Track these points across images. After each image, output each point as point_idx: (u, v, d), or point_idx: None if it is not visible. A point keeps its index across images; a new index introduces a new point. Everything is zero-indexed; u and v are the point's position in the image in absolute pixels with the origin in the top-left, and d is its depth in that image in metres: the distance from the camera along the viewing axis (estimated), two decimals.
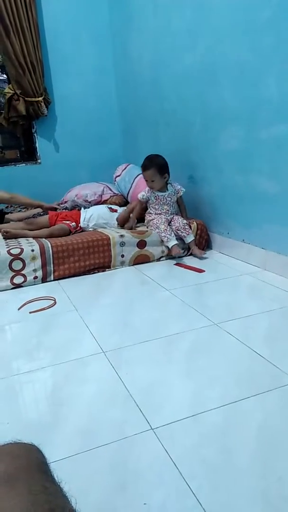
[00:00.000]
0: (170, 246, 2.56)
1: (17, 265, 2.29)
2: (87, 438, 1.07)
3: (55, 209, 3.01)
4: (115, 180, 3.58)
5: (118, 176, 3.54)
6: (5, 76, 3.97)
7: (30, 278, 2.32)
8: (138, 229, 2.73)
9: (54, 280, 2.38)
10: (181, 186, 2.80)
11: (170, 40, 2.86)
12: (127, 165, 3.54)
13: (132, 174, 3.35)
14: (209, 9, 2.39)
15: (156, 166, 2.61)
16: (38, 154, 3.85)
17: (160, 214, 2.75)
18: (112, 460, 0.99)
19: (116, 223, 2.83)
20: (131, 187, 3.30)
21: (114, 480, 0.93)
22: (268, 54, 2.02)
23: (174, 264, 2.53)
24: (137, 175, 3.26)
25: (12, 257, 2.27)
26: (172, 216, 2.75)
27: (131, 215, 2.82)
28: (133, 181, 3.29)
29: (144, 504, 0.87)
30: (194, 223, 2.73)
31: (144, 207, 2.84)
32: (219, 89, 2.43)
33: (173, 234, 2.60)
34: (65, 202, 3.27)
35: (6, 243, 2.45)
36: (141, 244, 2.56)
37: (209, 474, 0.93)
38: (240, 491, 0.88)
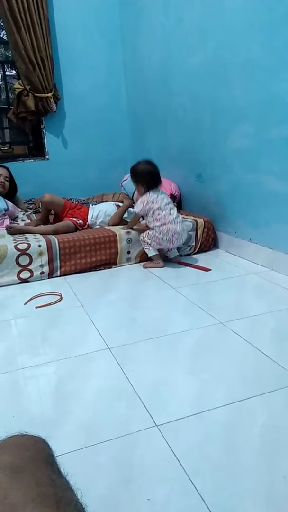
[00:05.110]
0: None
1: (24, 260, 2.29)
2: (91, 433, 1.07)
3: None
4: (121, 185, 3.60)
5: (125, 180, 3.56)
6: (14, 71, 3.99)
7: (36, 273, 2.33)
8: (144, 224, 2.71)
9: (60, 276, 2.39)
10: (145, 200, 2.44)
11: (180, 37, 2.85)
12: None
13: None
14: (220, 6, 2.37)
15: (131, 172, 2.50)
16: (46, 150, 3.86)
17: None
18: (116, 455, 0.99)
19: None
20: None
21: (118, 475, 0.93)
22: (280, 52, 2.01)
23: (179, 263, 2.53)
24: None
25: (19, 252, 2.28)
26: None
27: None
28: None
29: (148, 500, 0.87)
30: (201, 220, 2.72)
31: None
32: (229, 87, 2.42)
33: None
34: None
35: (13, 238, 2.46)
36: None
37: (213, 472, 0.93)
38: (244, 490, 0.88)
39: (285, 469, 0.93)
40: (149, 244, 2.46)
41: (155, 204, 2.40)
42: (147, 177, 2.42)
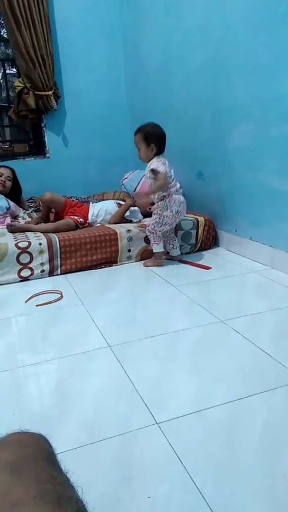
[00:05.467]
0: (154, 252, 2.43)
1: (25, 258, 2.30)
2: (92, 431, 1.07)
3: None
4: (122, 184, 3.59)
5: (125, 179, 3.56)
6: (15, 69, 3.98)
7: (37, 271, 2.33)
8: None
9: (61, 274, 2.39)
10: (161, 162, 2.27)
11: (181, 35, 2.84)
12: (134, 171, 3.56)
13: (139, 175, 3.37)
14: (221, 4, 2.37)
15: (142, 132, 2.29)
16: (46, 148, 3.86)
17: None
18: (117, 453, 1.00)
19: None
20: (138, 184, 3.32)
21: (118, 473, 0.93)
22: (281, 50, 2.00)
23: (180, 261, 2.53)
24: (144, 175, 3.28)
25: (20, 250, 2.28)
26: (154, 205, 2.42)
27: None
28: (140, 179, 3.31)
29: (148, 497, 0.87)
30: (202, 218, 2.72)
31: None
32: (230, 86, 2.42)
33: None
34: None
35: (14, 236, 2.46)
36: (148, 239, 2.55)
37: (214, 469, 0.93)
38: (244, 488, 0.88)
39: (286, 467, 0.93)
40: (159, 236, 2.39)
41: (169, 170, 2.28)
42: (157, 139, 2.28)
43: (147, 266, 2.46)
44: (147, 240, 2.54)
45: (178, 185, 2.38)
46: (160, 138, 2.29)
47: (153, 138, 2.27)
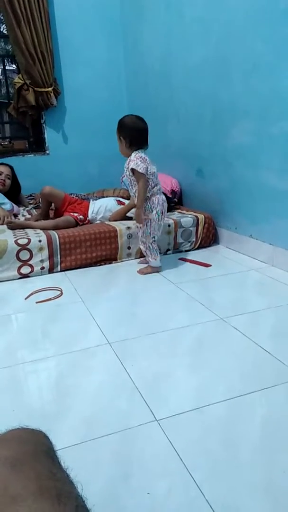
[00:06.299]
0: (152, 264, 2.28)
1: (24, 255, 2.29)
2: (92, 428, 1.07)
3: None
4: (122, 181, 3.57)
5: (125, 176, 3.53)
6: (15, 66, 3.97)
7: (37, 268, 2.33)
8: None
9: (61, 271, 2.39)
10: (139, 156, 2.07)
11: (181, 32, 2.83)
12: None
13: None
14: (222, 0, 2.35)
15: (118, 124, 2.12)
16: (46, 145, 3.85)
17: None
18: (116, 449, 1.00)
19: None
20: None
21: (118, 469, 0.94)
22: (282, 47, 1.99)
23: (179, 259, 2.53)
24: None
25: (20, 247, 2.28)
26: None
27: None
28: None
29: (148, 493, 0.87)
30: (202, 215, 2.72)
31: None
32: (230, 83, 2.41)
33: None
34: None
35: (13, 233, 2.46)
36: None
37: (213, 466, 0.94)
38: (243, 484, 0.88)
39: (285, 463, 0.93)
40: (156, 249, 2.25)
41: (151, 166, 2.10)
42: (129, 131, 2.08)
43: (143, 273, 2.28)
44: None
45: (160, 184, 2.21)
46: (135, 130, 2.08)
47: (124, 130, 2.09)
